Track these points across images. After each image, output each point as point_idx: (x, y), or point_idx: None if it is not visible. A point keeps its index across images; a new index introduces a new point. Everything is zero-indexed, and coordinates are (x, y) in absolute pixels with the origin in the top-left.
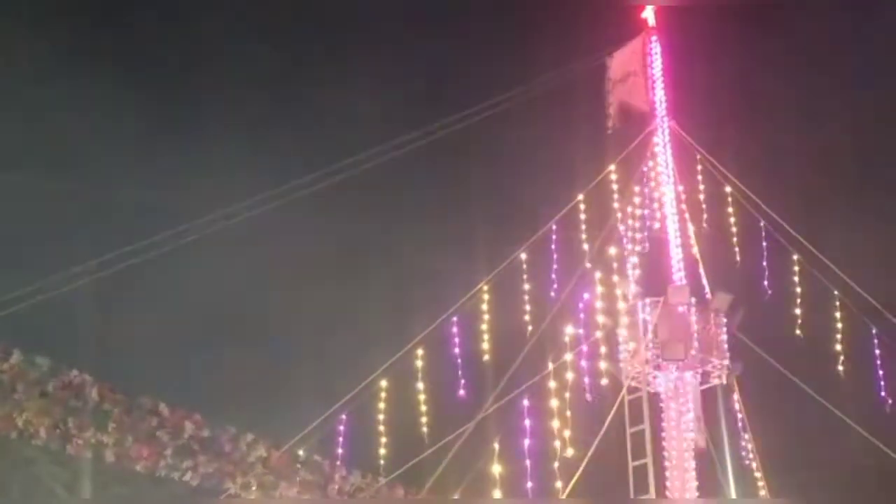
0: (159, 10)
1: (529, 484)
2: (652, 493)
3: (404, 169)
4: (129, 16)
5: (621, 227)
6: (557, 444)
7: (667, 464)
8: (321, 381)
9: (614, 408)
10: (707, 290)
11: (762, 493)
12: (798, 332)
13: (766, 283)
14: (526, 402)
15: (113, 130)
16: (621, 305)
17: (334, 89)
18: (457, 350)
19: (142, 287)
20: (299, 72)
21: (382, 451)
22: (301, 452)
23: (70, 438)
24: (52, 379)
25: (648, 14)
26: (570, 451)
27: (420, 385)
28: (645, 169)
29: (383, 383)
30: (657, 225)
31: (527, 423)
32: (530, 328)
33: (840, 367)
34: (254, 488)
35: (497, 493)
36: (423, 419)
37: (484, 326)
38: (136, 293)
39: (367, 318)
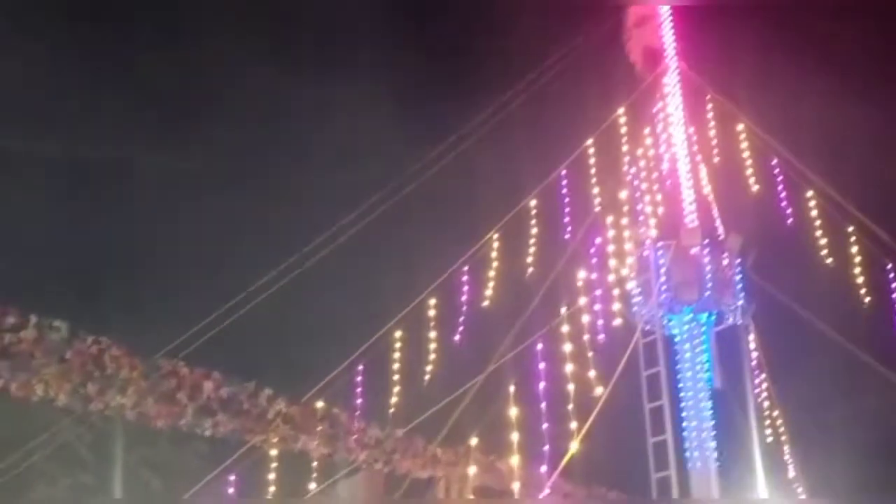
0: None
1: (545, 425)
2: (669, 433)
3: None
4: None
5: (632, 170)
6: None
7: (683, 405)
8: (337, 332)
9: (628, 351)
10: (720, 230)
11: (780, 429)
12: (826, 260)
13: (787, 212)
14: (540, 346)
15: None
16: (628, 247)
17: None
18: (464, 297)
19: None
20: None
21: (395, 399)
22: (320, 404)
23: (90, 401)
24: (69, 348)
25: None
26: (599, 389)
27: (433, 334)
28: (655, 110)
29: (397, 333)
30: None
31: (541, 366)
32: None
33: (867, 300)
34: (275, 441)
35: (514, 436)
36: (436, 368)
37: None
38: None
39: (378, 269)
